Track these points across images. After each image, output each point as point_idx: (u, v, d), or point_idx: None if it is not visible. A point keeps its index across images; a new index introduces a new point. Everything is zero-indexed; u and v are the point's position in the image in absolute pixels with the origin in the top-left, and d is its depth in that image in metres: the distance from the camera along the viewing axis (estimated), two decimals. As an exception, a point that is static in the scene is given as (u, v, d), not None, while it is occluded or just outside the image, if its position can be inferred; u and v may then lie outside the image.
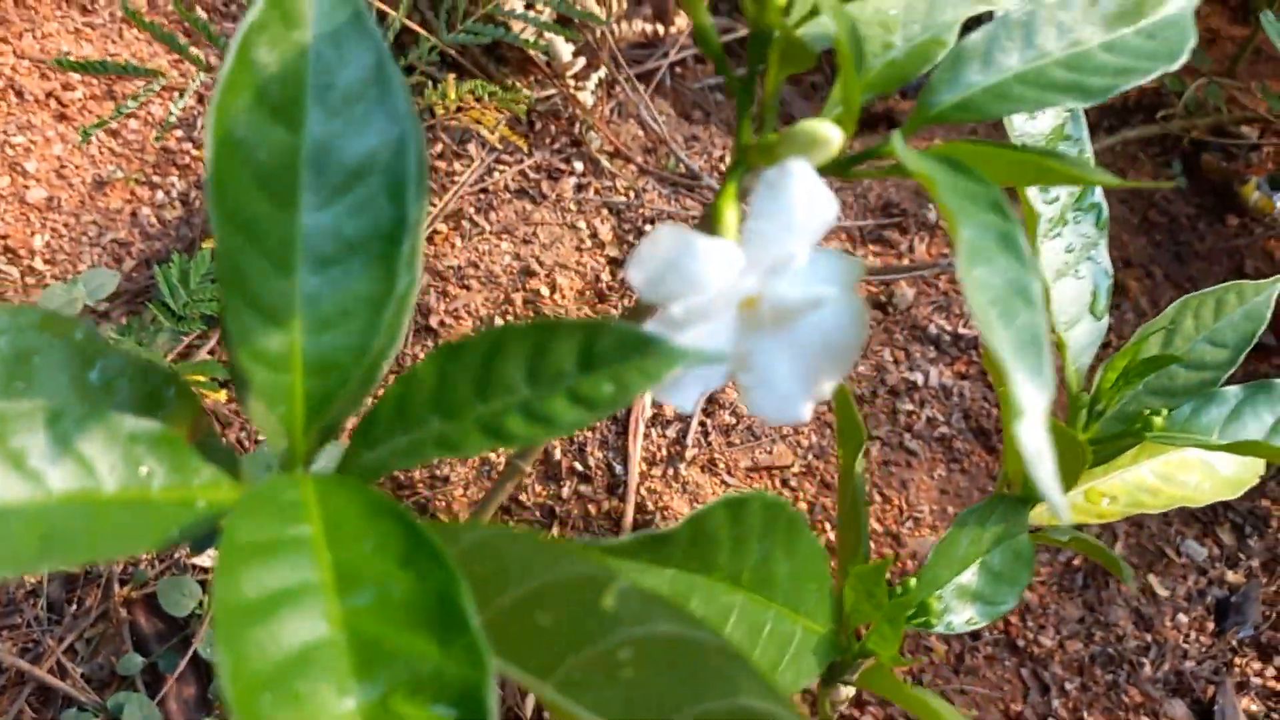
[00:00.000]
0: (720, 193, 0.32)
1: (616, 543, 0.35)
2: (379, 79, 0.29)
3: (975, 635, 1.16)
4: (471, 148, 1.40)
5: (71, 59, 1.20)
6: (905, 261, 1.44)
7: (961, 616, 0.46)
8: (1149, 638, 1.19)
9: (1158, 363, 0.48)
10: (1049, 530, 0.55)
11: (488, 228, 1.34)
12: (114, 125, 1.37)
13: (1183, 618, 1.21)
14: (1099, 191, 0.51)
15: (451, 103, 1.16)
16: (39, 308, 0.32)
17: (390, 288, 0.28)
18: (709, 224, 0.32)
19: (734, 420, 1.24)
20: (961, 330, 1.37)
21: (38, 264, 1.26)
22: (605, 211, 1.38)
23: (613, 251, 1.35)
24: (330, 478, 0.27)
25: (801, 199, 0.29)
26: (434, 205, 1.34)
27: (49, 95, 1.36)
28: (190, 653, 1.04)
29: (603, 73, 1.47)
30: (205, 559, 1.09)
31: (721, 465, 1.22)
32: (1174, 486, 0.57)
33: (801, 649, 0.43)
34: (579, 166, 1.42)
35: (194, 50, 1.15)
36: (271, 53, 0.28)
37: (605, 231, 1.36)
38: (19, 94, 1.34)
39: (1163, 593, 1.23)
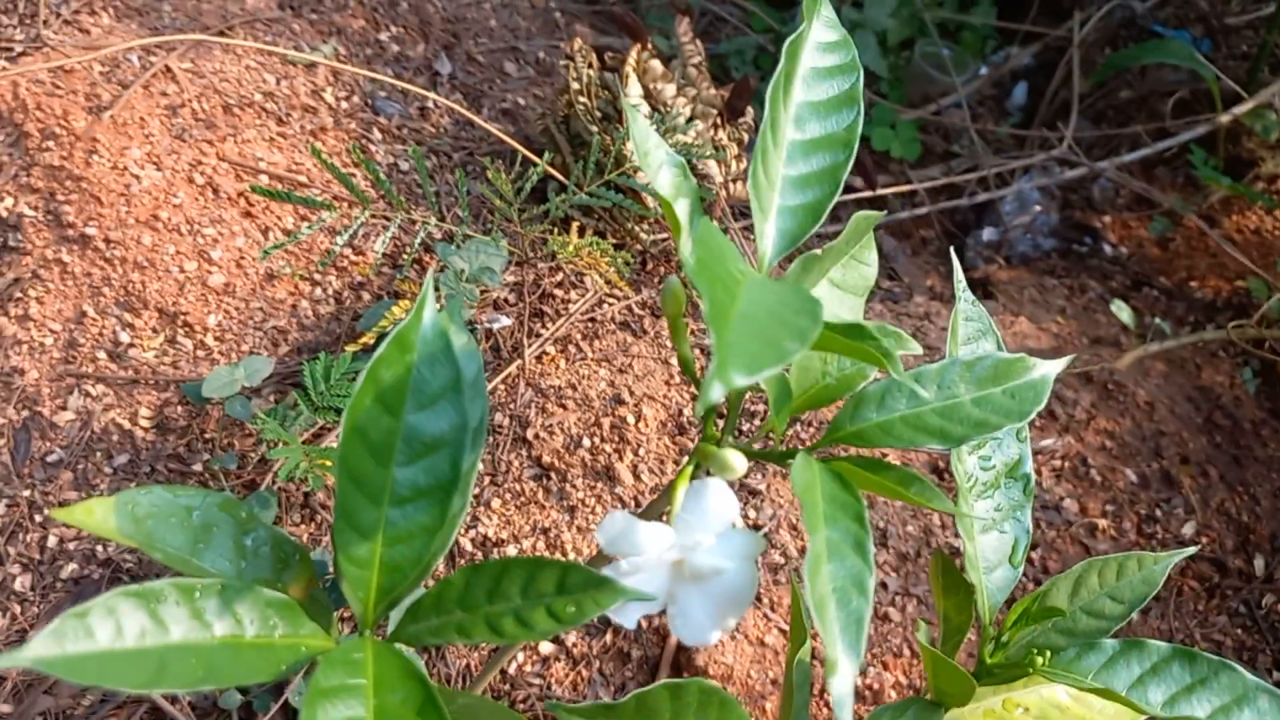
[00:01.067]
0: (677, 476, 0.46)
1: (580, 707, 0.49)
2: (455, 387, 0.45)
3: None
4: (588, 280, 1.58)
5: (263, 186, 1.42)
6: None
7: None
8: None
9: (1048, 613, 0.60)
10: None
11: (590, 354, 1.51)
12: (289, 225, 1.59)
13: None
14: (1029, 464, 0.64)
15: (570, 254, 1.34)
16: (220, 493, 0.48)
17: (443, 519, 0.44)
18: (665, 499, 0.47)
19: (783, 561, 1.36)
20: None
21: (209, 340, 1.48)
22: (697, 351, 1.54)
23: (696, 390, 1.50)
24: (384, 645, 0.42)
25: (714, 504, 0.44)
26: (547, 329, 1.52)
27: (240, 195, 1.59)
28: (282, 699, 1.21)
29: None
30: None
31: (766, 601, 1.34)
32: (1082, 707, 0.68)
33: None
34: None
35: (361, 184, 1.35)
36: (388, 371, 0.44)
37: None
38: (215, 191, 1.58)
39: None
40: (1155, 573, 0.64)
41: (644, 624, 1.33)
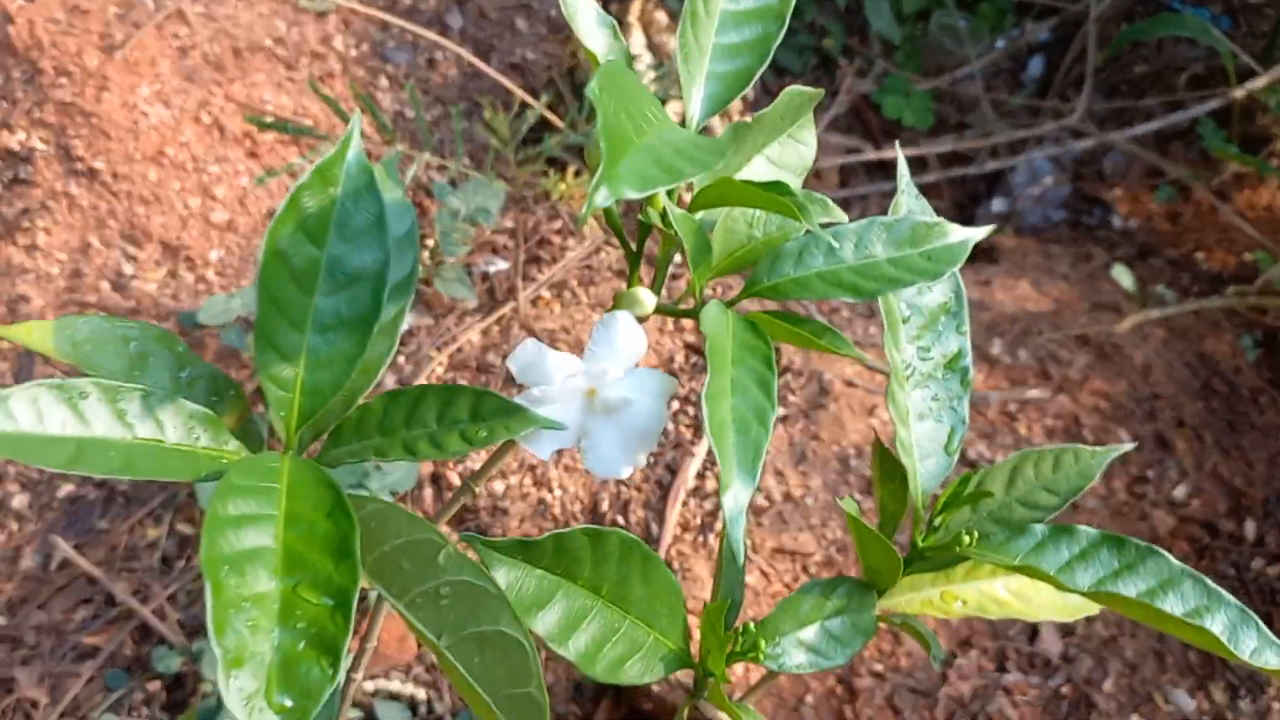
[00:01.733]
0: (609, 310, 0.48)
1: (497, 541, 0.50)
2: (378, 224, 0.46)
3: (949, 737, 1.25)
4: (587, 228, 1.59)
5: (265, 118, 1.44)
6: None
7: (794, 660, 0.60)
8: (1119, 773, 1.26)
9: (978, 496, 0.61)
10: (892, 615, 0.67)
11: (585, 299, 1.52)
12: (293, 169, 1.62)
13: (1157, 761, 1.27)
14: (969, 358, 0.65)
15: (563, 192, 1.35)
16: (159, 326, 0.50)
17: (362, 350, 0.45)
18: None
19: (766, 504, 1.37)
20: (999, 459, 1.48)
21: (209, 274, 1.50)
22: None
23: (690, 338, 1.51)
24: (301, 459, 0.44)
25: (622, 335, 0.46)
26: (543, 274, 1.54)
27: (245, 135, 1.62)
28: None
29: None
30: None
31: (748, 543, 1.35)
32: (1021, 602, 0.69)
33: (650, 654, 0.57)
34: (679, 259, 1.59)
35: (365, 128, 1.38)
36: (312, 200, 0.46)
37: (689, 321, 1.53)
38: (221, 131, 1.61)
39: (1143, 735, 1.29)
40: (1091, 466, 0.64)
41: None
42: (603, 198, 0.37)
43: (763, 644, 0.58)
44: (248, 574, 0.39)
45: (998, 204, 2.27)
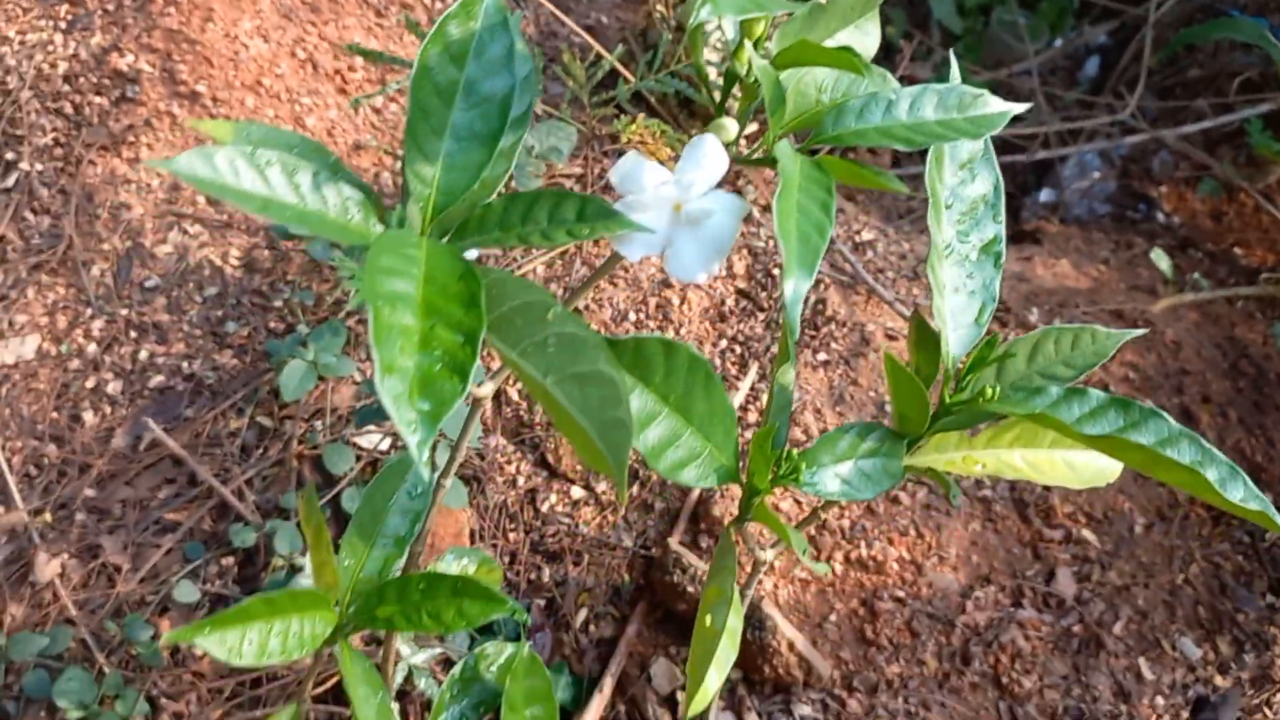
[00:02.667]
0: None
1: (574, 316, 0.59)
2: (508, 56, 0.55)
3: (965, 660, 1.33)
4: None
5: (359, 46, 1.55)
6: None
7: (828, 489, 0.68)
8: (1123, 708, 1.33)
9: (1000, 357, 0.69)
10: (922, 469, 0.75)
11: (644, 242, 1.61)
12: (378, 104, 1.72)
13: (1160, 700, 1.34)
14: (1003, 244, 0.73)
15: (632, 133, 1.45)
16: (315, 139, 0.60)
17: (487, 161, 0.54)
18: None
19: (804, 439, 1.45)
20: (1028, 416, 1.55)
21: (297, 196, 1.61)
22: (745, 251, 1.63)
23: (742, 284, 1.60)
24: (433, 240, 0.53)
25: (708, 154, 0.54)
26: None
27: (336, 72, 1.72)
28: (335, 501, 1.34)
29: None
30: (363, 439, 1.39)
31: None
32: (1034, 470, 0.76)
33: (706, 464, 0.66)
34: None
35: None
36: (457, 29, 0.55)
37: (740, 267, 1.61)
38: (314, 67, 1.71)
39: (1149, 676, 1.36)
40: (1106, 345, 0.72)
41: (667, 481, 1.43)
42: (706, 13, 0.46)
43: (803, 469, 0.67)
44: (396, 310, 0.48)
45: (1045, 195, 2.34)
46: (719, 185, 0.55)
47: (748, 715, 1.28)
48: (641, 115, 1.54)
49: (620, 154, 1.65)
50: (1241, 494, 0.64)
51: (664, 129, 1.47)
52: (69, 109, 1.63)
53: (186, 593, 1.31)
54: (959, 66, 0.71)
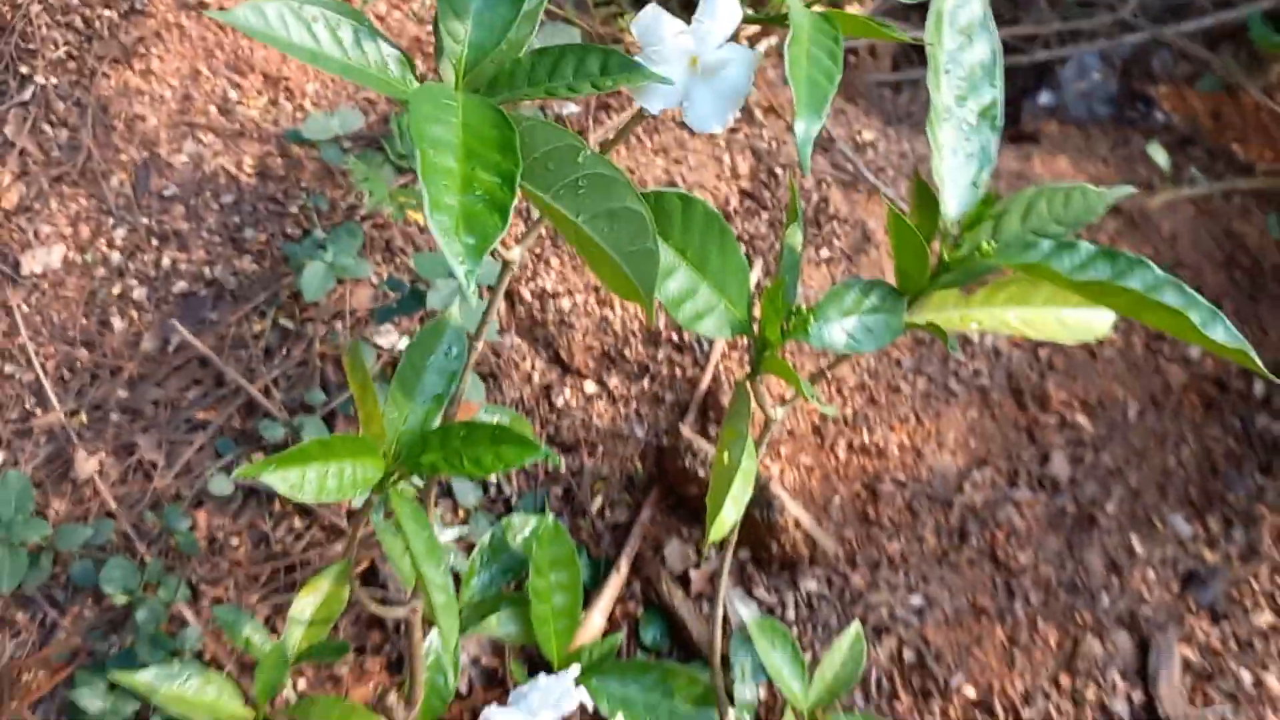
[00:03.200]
0: None
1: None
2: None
3: (962, 538, 1.39)
4: (653, 81, 1.70)
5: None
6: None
7: (834, 341, 0.73)
8: (1115, 580, 1.39)
9: (997, 215, 0.73)
10: (923, 323, 0.80)
11: (649, 145, 1.64)
12: (382, 10, 1.74)
13: (1151, 574, 1.41)
14: (1000, 108, 0.76)
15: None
16: (347, 4, 0.63)
17: (513, 19, 0.58)
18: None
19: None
20: (1026, 307, 1.59)
21: (306, 104, 1.63)
22: (749, 152, 1.67)
23: (745, 185, 1.63)
24: (467, 93, 0.57)
25: (720, 5, 0.58)
26: (612, 119, 1.65)
27: (341, -18, 1.74)
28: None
29: (774, 40, 1.75)
30: (383, 339, 1.44)
31: (791, 363, 1.48)
32: (1026, 326, 0.81)
33: (721, 316, 0.71)
34: (737, 113, 1.71)
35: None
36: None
37: (744, 167, 1.64)
38: (320, -23, 1.73)
39: (1140, 552, 1.42)
40: (1097, 202, 0.76)
41: (676, 375, 1.48)
42: None
43: (811, 322, 0.71)
44: (440, 153, 0.52)
45: (1044, 98, 2.35)
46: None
47: (756, 590, 1.35)
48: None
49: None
50: (1222, 334, 0.69)
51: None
52: (79, 22, 1.65)
53: (220, 485, 1.37)
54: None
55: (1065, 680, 1.32)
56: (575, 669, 0.76)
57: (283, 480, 0.62)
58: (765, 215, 1.61)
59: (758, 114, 1.71)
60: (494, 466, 0.67)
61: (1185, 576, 1.42)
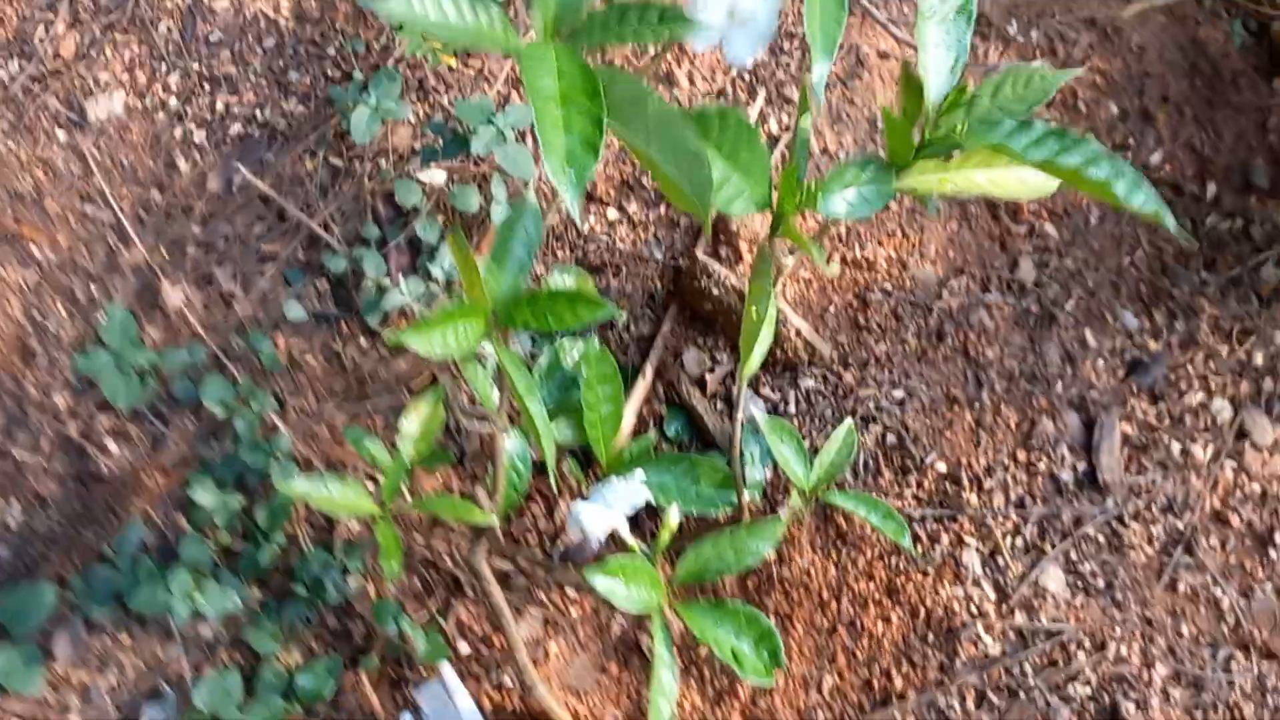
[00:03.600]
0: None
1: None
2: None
3: (939, 338, 1.61)
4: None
5: None
6: (981, 68, 1.81)
7: (837, 210, 0.91)
8: (1069, 370, 1.62)
9: (969, 100, 0.90)
10: (909, 188, 0.97)
11: None
12: None
13: (1100, 363, 1.63)
14: (974, 4, 0.91)
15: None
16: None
17: (591, -17, 0.73)
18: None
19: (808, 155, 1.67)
20: (1004, 125, 1.75)
21: None
22: None
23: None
24: (562, 46, 0.73)
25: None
26: None
27: None
28: (410, 230, 1.57)
29: None
30: (426, 176, 1.60)
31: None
32: (993, 186, 0.98)
33: (748, 198, 0.89)
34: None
35: None
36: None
37: None
38: None
39: (1092, 344, 1.65)
40: (1050, 83, 0.93)
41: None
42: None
43: (820, 196, 0.90)
44: (548, 105, 0.69)
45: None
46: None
47: (763, 390, 1.57)
48: None
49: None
50: (1141, 199, 0.87)
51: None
52: None
53: (294, 311, 1.57)
54: None
55: (1022, 455, 1.57)
56: (641, 472, 0.98)
57: (420, 343, 0.82)
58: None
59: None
60: (573, 322, 0.86)
61: (1130, 364, 1.65)
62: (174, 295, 1.59)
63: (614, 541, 1.10)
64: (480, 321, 0.88)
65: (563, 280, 1.09)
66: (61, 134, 1.64)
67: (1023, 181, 0.98)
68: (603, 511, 0.98)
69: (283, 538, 1.52)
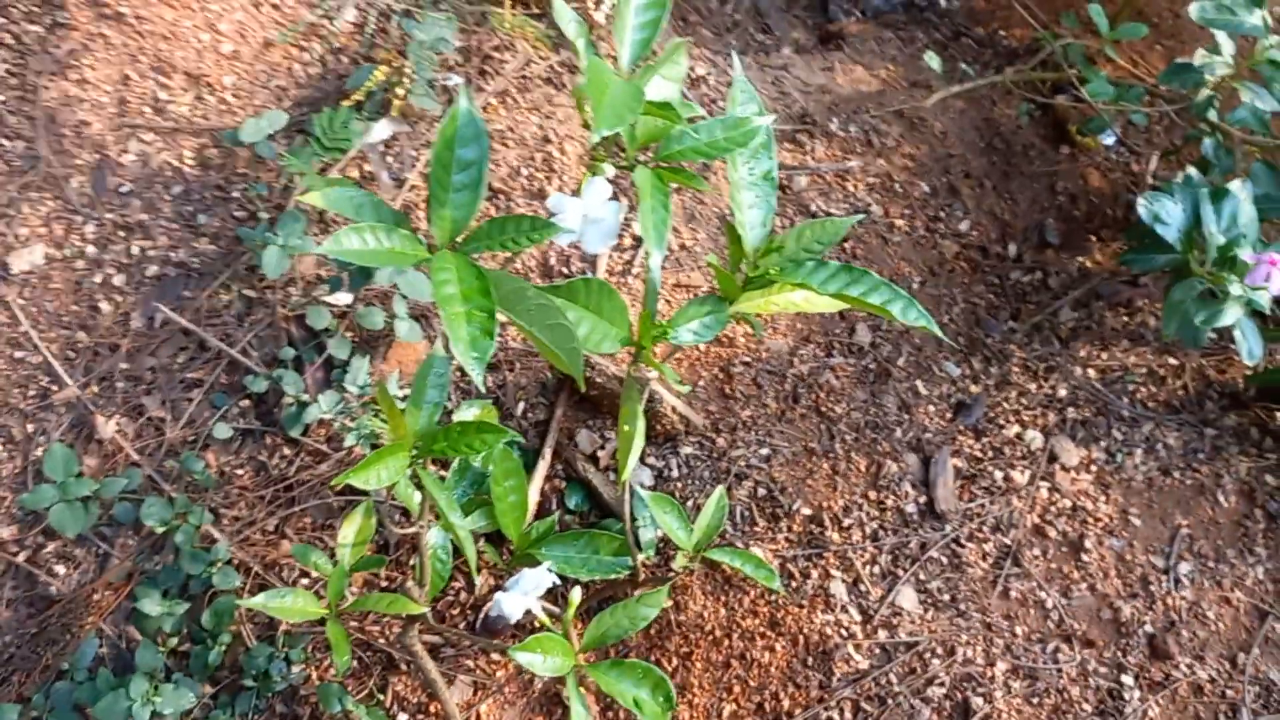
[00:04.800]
0: (583, 179, 0.99)
1: (548, 286, 1.01)
2: (478, 137, 0.95)
3: (795, 399, 1.87)
4: (519, 44, 2.03)
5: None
6: (808, 160, 2.09)
7: (685, 339, 1.15)
8: (905, 416, 1.90)
9: (778, 248, 1.14)
10: (741, 314, 1.22)
11: (523, 104, 1.99)
12: (276, 0, 2.00)
13: (931, 408, 1.91)
14: (775, 172, 1.16)
15: (506, 28, 1.80)
16: (370, 195, 0.99)
17: (476, 199, 0.96)
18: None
19: (668, 253, 1.91)
20: (832, 210, 2.03)
21: (228, 97, 1.92)
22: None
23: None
24: (460, 256, 0.95)
25: (599, 188, 0.97)
26: (490, 85, 1.98)
27: (234, -24, 1.98)
28: (325, 353, 1.76)
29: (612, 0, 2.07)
30: (335, 299, 1.80)
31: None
32: (807, 304, 1.24)
33: (613, 338, 1.12)
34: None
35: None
36: (449, 128, 0.95)
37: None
38: (215, -27, 1.97)
39: (923, 392, 1.93)
40: (840, 227, 1.18)
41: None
42: (597, 137, 0.88)
43: (670, 331, 1.14)
44: (452, 302, 0.92)
45: (848, -11, 2.72)
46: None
47: (648, 459, 1.81)
48: (508, 4, 1.87)
49: (493, 36, 1.99)
50: (914, 316, 1.13)
51: (530, 23, 1.82)
52: (9, 39, 1.88)
53: (222, 431, 1.75)
54: None
55: (873, 494, 1.83)
56: (549, 563, 1.20)
57: (359, 480, 1.02)
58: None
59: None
60: (482, 448, 1.07)
61: (956, 406, 1.93)
62: (107, 427, 1.75)
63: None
64: (404, 455, 1.09)
65: (470, 413, 1.30)
66: (-13, 287, 1.79)
67: (826, 300, 1.23)
68: (519, 598, 1.19)
69: (228, 636, 1.69)
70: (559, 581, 1.28)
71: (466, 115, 0.95)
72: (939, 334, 1.14)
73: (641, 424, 1.17)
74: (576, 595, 1.32)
